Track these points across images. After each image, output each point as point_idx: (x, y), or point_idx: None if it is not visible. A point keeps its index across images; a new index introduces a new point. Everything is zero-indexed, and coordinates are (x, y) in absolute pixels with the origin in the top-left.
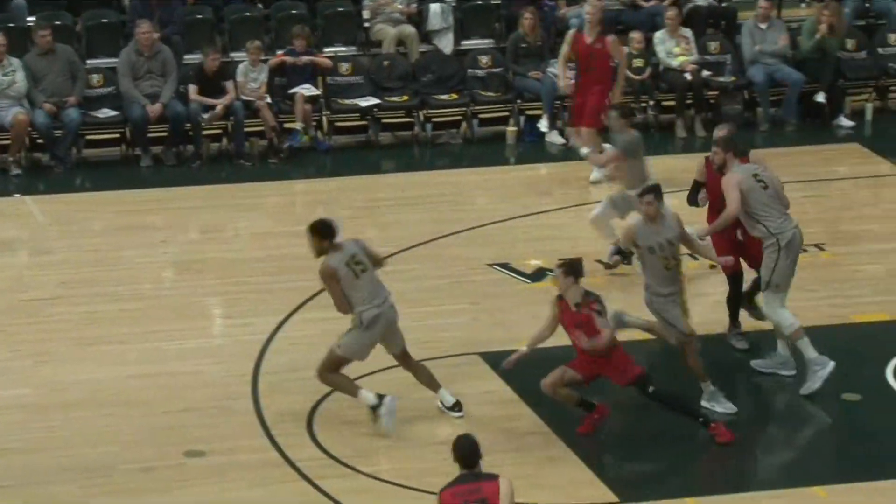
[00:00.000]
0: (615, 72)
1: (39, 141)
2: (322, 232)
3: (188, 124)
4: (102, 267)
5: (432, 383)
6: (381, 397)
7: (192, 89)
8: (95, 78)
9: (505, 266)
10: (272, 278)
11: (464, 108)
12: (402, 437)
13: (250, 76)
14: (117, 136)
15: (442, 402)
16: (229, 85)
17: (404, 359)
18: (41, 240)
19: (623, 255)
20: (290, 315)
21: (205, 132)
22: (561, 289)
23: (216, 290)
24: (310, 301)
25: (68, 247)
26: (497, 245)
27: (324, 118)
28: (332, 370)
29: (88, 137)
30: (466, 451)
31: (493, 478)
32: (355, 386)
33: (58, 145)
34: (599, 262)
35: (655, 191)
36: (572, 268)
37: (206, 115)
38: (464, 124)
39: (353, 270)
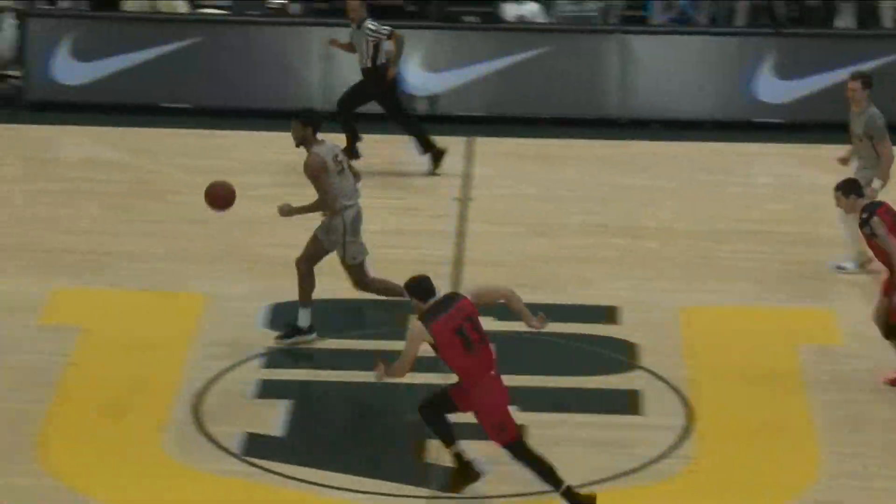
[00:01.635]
0: None
1: None
2: (305, 120)
3: None
4: None
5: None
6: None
7: None
8: None
9: None
10: None
11: None
12: None
13: None
14: None
15: None
16: None
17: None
18: None
19: None
20: None
21: None
22: None
23: None
24: None
25: None
26: None
27: None
28: (365, 277)
29: None
30: (424, 286)
31: (461, 297)
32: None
33: None
34: None
35: None
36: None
37: None
38: None
39: (339, 165)
